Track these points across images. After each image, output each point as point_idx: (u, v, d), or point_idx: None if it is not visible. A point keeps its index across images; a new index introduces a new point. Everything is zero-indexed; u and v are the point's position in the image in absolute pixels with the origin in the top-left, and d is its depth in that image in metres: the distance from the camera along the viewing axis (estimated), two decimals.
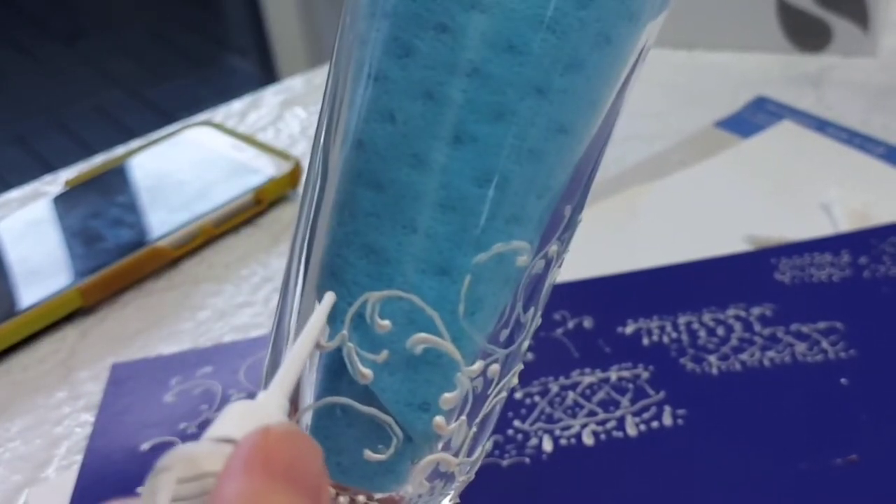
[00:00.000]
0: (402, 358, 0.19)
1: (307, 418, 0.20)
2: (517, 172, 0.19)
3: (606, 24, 0.20)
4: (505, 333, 0.20)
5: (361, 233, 0.20)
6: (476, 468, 0.22)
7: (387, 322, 0.19)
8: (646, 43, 0.21)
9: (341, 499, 0.20)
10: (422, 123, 0.19)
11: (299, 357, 0.18)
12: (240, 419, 0.16)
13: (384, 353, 0.19)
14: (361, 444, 0.20)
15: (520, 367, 0.21)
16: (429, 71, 0.19)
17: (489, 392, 0.20)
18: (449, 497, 0.22)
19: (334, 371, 0.20)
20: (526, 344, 0.22)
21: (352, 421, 0.20)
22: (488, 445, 0.23)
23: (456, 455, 0.20)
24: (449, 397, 0.19)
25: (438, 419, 0.19)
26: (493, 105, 0.19)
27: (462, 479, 0.22)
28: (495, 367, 0.20)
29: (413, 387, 0.19)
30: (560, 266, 0.22)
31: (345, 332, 0.19)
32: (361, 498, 0.20)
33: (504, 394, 0.21)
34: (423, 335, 0.19)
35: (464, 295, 0.19)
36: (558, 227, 0.21)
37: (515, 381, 0.22)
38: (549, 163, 0.20)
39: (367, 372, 0.19)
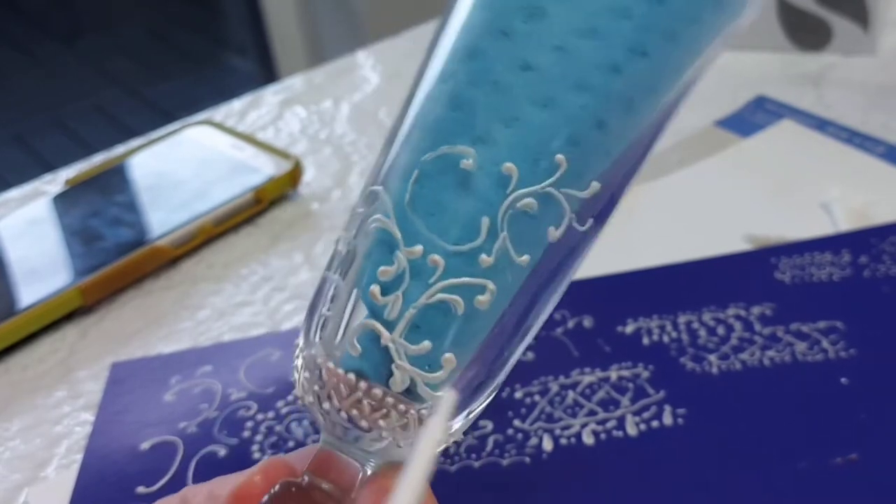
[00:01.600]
0: (367, 239, 0.22)
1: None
2: (482, 101, 0.22)
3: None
4: (486, 260, 0.21)
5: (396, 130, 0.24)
6: (443, 387, 0.22)
7: (361, 210, 0.23)
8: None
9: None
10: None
11: (421, 466, 0.18)
12: None
13: (353, 232, 0.23)
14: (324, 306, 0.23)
15: (490, 288, 0.22)
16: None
17: (431, 282, 0.21)
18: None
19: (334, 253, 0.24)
20: (503, 273, 0.22)
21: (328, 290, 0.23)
22: (476, 409, 0.23)
23: (390, 330, 0.21)
24: (385, 269, 0.21)
25: (374, 287, 0.21)
26: (468, 48, 0.23)
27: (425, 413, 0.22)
28: (437, 258, 0.21)
29: (371, 263, 0.22)
30: (567, 227, 0.22)
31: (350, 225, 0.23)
32: (350, 378, 0.22)
33: (455, 300, 0.21)
34: (377, 215, 0.22)
35: (410, 185, 0.22)
36: (548, 171, 0.22)
37: (484, 301, 0.22)
38: (512, 96, 0.22)
39: (341, 249, 0.23)
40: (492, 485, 0.31)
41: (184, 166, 0.48)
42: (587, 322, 0.36)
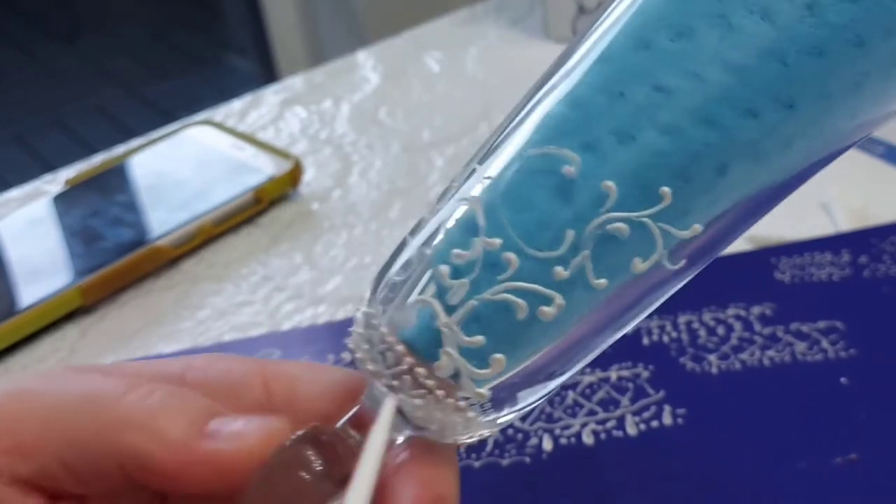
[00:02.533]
0: (450, 214, 0.22)
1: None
2: (602, 105, 0.21)
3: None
4: (561, 272, 0.21)
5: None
6: (489, 384, 0.22)
7: (455, 184, 0.22)
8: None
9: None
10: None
11: (368, 472, 0.20)
12: None
13: (441, 206, 0.22)
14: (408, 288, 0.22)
15: (557, 302, 0.21)
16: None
17: (500, 278, 0.21)
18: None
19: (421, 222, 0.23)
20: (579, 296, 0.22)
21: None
22: (513, 413, 0.23)
23: (448, 314, 0.21)
24: (460, 252, 0.21)
25: (443, 267, 0.21)
26: (599, 46, 0.22)
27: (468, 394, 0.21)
28: (511, 256, 0.21)
29: (447, 241, 0.22)
30: (655, 262, 0.21)
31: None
32: (400, 349, 0.21)
33: (519, 304, 0.21)
34: (469, 196, 0.22)
35: (501, 171, 0.21)
36: (649, 202, 0.21)
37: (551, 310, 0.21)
38: (634, 110, 0.21)
39: (428, 216, 0.23)
40: (492, 485, 0.31)
41: (184, 166, 0.48)
42: None
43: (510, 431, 0.32)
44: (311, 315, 0.40)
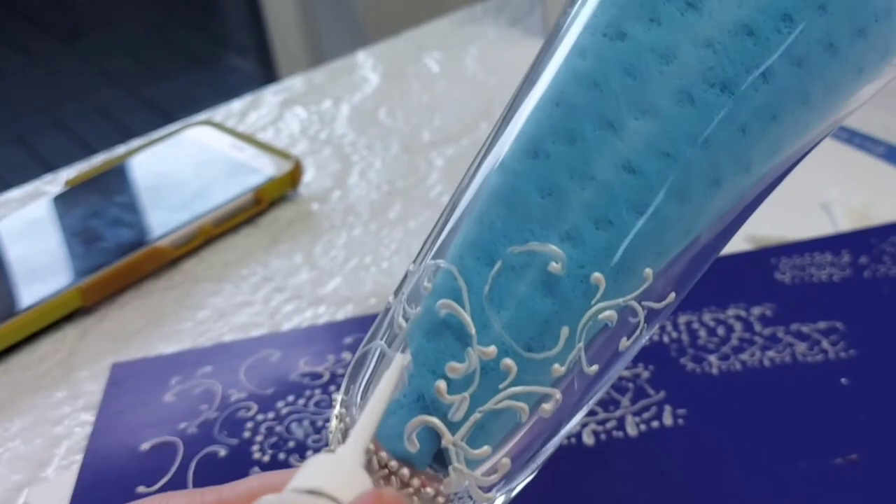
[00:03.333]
0: (432, 320, 0.21)
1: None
2: (577, 194, 0.20)
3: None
4: (558, 369, 0.21)
5: (446, 219, 0.23)
6: (496, 490, 0.22)
7: (429, 285, 0.21)
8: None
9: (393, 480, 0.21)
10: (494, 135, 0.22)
11: (375, 413, 0.19)
12: (325, 472, 0.17)
13: (419, 310, 0.21)
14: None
15: (556, 398, 0.21)
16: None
17: (501, 387, 0.20)
18: None
19: (392, 324, 0.22)
20: (582, 397, 0.22)
21: (382, 363, 0.22)
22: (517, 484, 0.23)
23: (452, 432, 0.20)
24: (455, 366, 0.20)
25: (440, 383, 0.20)
26: (567, 129, 0.21)
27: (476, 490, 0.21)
28: (510, 363, 0.20)
29: (433, 348, 0.21)
30: (638, 338, 0.22)
31: (406, 291, 0.22)
32: (416, 481, 0.21)
33: (521, 407, 0.21)
34: (448, 301, 0.21)
35: (491, 277, 0.20)
36: (633, 284, 0.21)
37: (563, 423, 0.22)
38: (613, 197, 0.20)
39: (402, 322, 0.21)
40: None
41: (184, 167, 0.48)
42: None
43: None
44: (311, 315, 0.40)
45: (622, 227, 0.20)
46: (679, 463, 0.31)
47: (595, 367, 0.21)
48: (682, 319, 0.36)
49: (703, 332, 0.35)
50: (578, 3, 0.22)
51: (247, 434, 0.34)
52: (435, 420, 0.20)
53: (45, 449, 0.35)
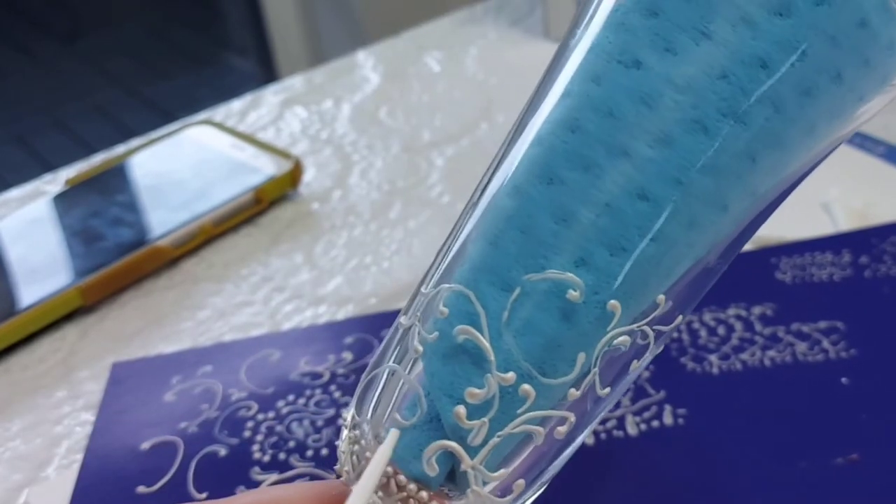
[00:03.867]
0: (449, 344, 0.21)
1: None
2: (591, 221, 0.21)
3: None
4: (574, 393, 0.21)
5: (458, 240, 0.23)
6: None
7: (446, 309, 0.21)
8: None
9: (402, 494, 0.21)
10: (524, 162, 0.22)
11: (365, 491, 0.20)
12: None
13: (435, 335, 0.21)
14: (396, 408, 0.22)
15: (570, 420, 0.22)
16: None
17: (519, 412, 0.21)
18: None
19: (404, 344, 0.22)
20: (589, 420, 0.22)
21: (398, 386, 0.22)
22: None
23: (471, 456, 0.21)
24: (474, 391, 0.20)
25: (459, 408, 0.20)
26: (582, 156, 0.21)
27: None
28: (528, 388, 0.21)
29: (450, 372, 0.21)
30: (646, 359, 0.22)
31: (419, 313, 0.22)
32: (423, 495, 0.21)
33: (538, 431, 0.21)
34: (466, 326, 0.21)
35: (510, 304, 0.21)
36: (646, 308, 0.21)
37: (571, 441, 0.22)
38: (626, 224, 0.21)
39: (419, 347, 0.21)
40: None
41: (184, 166, 0.48)
42: None
43: None
44: (311, 315, 0.40)
45: (635, 253, 0.21)
46: (679, 463, 0.31)
47: (607, 390, 0.22)
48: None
49: (703, 332, 0.35)
50: (586, 24, 0.22)
51: (247, 434, 0.34)
52: (455, 445, 0.21)
53: (45, 449, 0.35)
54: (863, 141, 0.46)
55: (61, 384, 0.38)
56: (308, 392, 0.35)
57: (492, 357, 0.21)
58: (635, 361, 0.22)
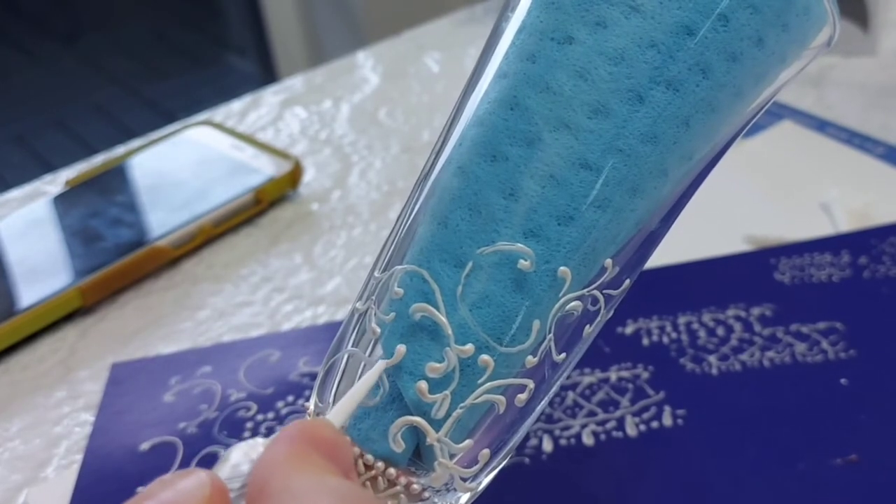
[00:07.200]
0: (406, 323, 0.21)
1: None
2: (538, 193, 0.21)
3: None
4: (531, 361, 0.22)
5: (406, 223, 0.23)
6: (477, 479, 0.23)
7: (400, 290, 0.22)
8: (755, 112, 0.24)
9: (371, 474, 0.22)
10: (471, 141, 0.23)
11: (351, 402, 0.21)
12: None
13: (392, 315, 0.22)
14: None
15: (530, 388, 0.22)
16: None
17: (479, 382, 0.21)
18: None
19: (361, 328, 0.23)
20: (548, 383, 0.23)
21: (358, 370, 0.22)
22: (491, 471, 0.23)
23: (436, 429, 0.21)
24: (435, 366, 0.21)
25: (421, 384, 0.21)
26: (524, 132, 0.22)
27: (459, 481, 0.22)
28: (487, 358, 0.21)
29: (410, 350, 0.21)
30: (598, 324, 0.23)
31: (374, 296, 0.23)
32: (403, 479, 0.22)
33: (500, 400, 0.22)
34: (422, 304, 0.21)
35: (464, 278, 0.21)
36: (595, 274, 0.22)
37: (528, 402, 0.22)
38: (572, 193, 0.21)
39: (377, 329, 0.22)
40: (491, 485, 0.30)
41: (184, 167, 0.48)
42: None
43: None
44: (310, 315, 0.40)
45: (582, 222, 0.21)
46: (678, 463, 0.31)
47: (563, 355, 0.22)
48: (681, 320, 0.36)
49: (702, 333, 0.35)
50: (517, 6, 0.23)
51: (247, 434, 0.34)
52: (420, 420, 0.21)
53: (44, 449, 0.35)
54: (862, 141, 0.46)
55: (61, 384, 0.38)
56: (307, 392, 0.35)
57: (449, 331, 0.21)
58: (588, 326, 0.23)
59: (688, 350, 0.35)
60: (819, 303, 0.36)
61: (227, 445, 0.33)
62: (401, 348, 0.21)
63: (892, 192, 0.43)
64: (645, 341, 0.35)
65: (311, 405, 0.23)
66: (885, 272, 0.37)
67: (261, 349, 0.38)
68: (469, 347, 0.21)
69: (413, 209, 0.23)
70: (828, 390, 0.33)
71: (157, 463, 0.33)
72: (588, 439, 0.32)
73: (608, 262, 0.22)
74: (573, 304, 0.22)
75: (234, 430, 0.34)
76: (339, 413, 0.21)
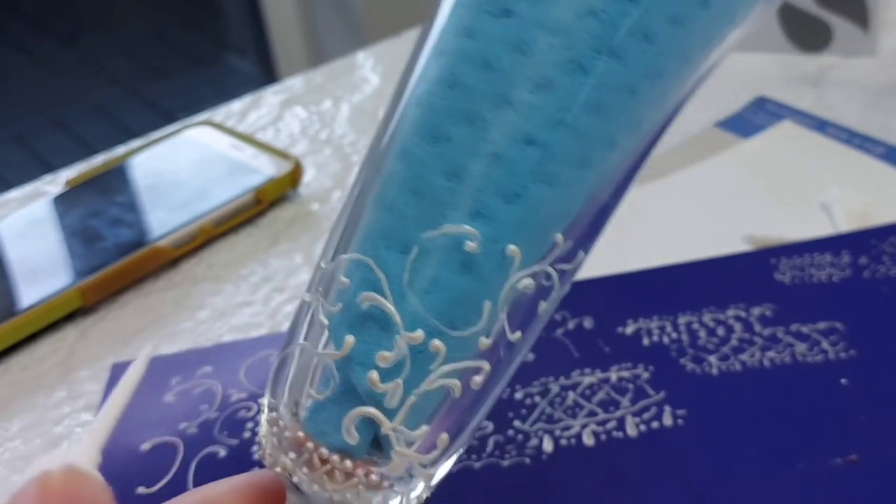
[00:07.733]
0: (354, 313, 0.21)
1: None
2: (482, 173, 0.21)
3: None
4: (485, 342, 0.21)
5: (351, 210, 0.23)
6: (437, 466, 0.22)
7: (347, 280, 0.21)
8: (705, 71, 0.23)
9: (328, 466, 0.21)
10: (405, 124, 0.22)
11: (114, 408, 0.20)
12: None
13: (339, 306, 0.21)
14: (310, 384, 0.22)
15: (486, 369, 0.22)
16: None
17: (432, 368, 0.21)
18: (415, 491, 0.22)
19: (310, 320, 0.22)
20: (506, 361, 0.22)
21: (310, 363, 0.22)
22: (452, 455, 0.23)
23: (390, 418, 0.21)
24: (385, 354, 0.21)
25: (372, 373, 0.21)
26: (465, 110, 0.21)
27: (417, 468, 0.22)
28: (438, 344, 0.21)
29: (359, 340, 0.21)
30: (554, 299, 0.22)
31: (321, 287, 0.22)
32: (360, 471, 0.21)
33: (454, 384, 0.21)
34: (369, 293, 0.21)
35: (410, 263, 0.21)
36: (546, 250, 0.21)
37: (484, 385, 0.22)
38: (517, 171, 0.21)
39: (325, 320, 0.21)
40: (492, 486, 0.31)
41: (184, 167, 0.48)
42: (587, 323, 0.36)
43: (510, 432, 0.32)
44: None
45: (529, 199, 0.21)
46: (679, 464, 0.31)
47: (518, 334, 0.22)
48: (681, 320, 0.36)
49: (702, 333, 0.36)
50: None
51: (247, 434, 0.34)
52: (372, 410, 0.21)
53: (45, 449, 0.35)
54: (862, 141, 0.46)
55: (61, 384, 0.38)
56: None
57: (398, 319, 0.21)
58: (542, 303, 0.22)
59: (688, 350, 0.35)
60: (819, 303, 0.36)
61: (228, 446, 0.33)
62: (349, 339, 0.21)
63: (892, 192, 0.43)
64: (645, 341, 0.35)
65: (265, 402, 0.23)
66: (885, 272, 0.37)
67: (261, 349, 0.38)
68: (419, 334, 0.20)
69: (357, 195, 0.23)
70: (828, 390, 0.33)
71: (157, 463, 0.33)
72: (588, 439, 0.32)
73: (559, 237, 0.21)
74: (525, 281, 0.21)
75: (235, 430, 0.34)
76: (87, 451, 0.19)
